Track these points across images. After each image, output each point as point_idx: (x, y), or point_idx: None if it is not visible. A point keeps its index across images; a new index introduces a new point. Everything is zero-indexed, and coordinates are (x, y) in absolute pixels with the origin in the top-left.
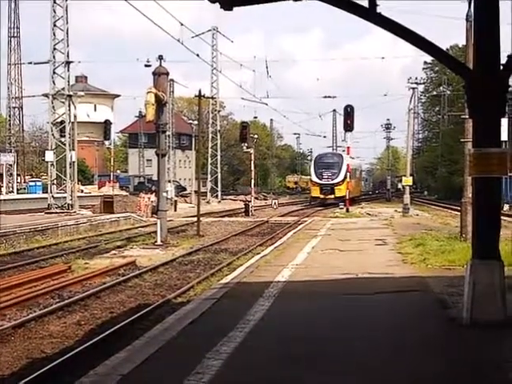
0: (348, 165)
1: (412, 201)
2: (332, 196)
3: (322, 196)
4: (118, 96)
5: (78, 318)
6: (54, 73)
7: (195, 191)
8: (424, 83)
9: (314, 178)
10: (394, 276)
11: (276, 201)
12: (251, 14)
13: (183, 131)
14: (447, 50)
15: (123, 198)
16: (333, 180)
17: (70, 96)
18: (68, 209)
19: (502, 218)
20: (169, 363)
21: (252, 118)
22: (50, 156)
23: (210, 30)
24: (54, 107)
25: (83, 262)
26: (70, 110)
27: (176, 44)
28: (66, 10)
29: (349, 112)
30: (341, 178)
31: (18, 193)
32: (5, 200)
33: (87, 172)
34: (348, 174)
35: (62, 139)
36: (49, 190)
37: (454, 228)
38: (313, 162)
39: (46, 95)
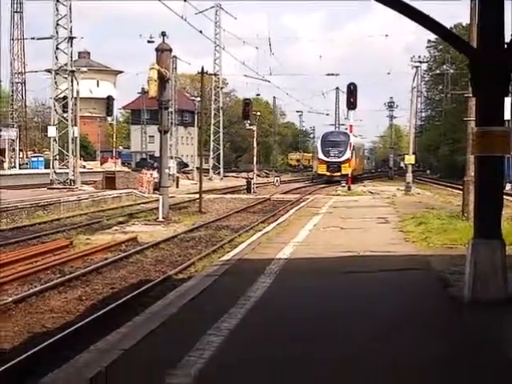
0: (348, 143)
1: (414, 179)
2: (338, 173)
3: (328, 173)
4: (121, 72)
5: (79, 294)
6: (57, 48)
7: (197, 168)
8: (427, 62)
9: (321, 156)
10: (396, 254)
11: (278, 178)
12: None
13: (186, 108)
14: (451, 28)
15: (125, 174)
16: (339, 158)
17: (72, 72)
18: (70, 184)
19: (504, 197)
20: (170, 339)
21: (255, 96)
22: (52, 131)
23: (213, 7)
24: (56, 83)
25: (85, 238)
26: (72, 85)
27: (179, 20)
28: None
29: (352, 90)
30: (347, 155)
31: (20, 168)
32: (7, 175)
33: (89, 148)
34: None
35: (65, 115)
36: (51, 166)
37: (456, 207)
38: (319, 140)
39: (48, 71)
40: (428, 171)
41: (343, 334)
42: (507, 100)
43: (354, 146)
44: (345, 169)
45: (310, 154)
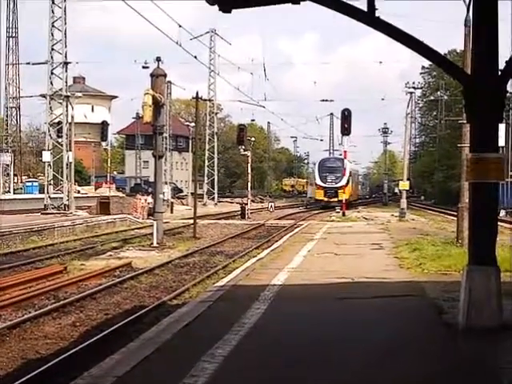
0: (345, 169)
1: (409, 205)
2: (335, 199)
3: (326, 199)
4: (116, 97)
5: (73, 320)
6: (52, 73)
7: (192, 193)
8: (421, 88)
9: (319, 182)
10: (390, 281)
11: (272, 204)
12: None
13: (180, 133)
14: (445, 54)
15: (120, 200)
16: (336, 184)
17: (67, 97)
18: (64, 209)
19: (498, 223)
20: (164, 365)
21: (249, 121)
22: (46, 156)
23: (208, 32)
24: (51, 108)
25: (79, 263)
26: (67, 110)
27: (174, 46)
28: (65, 11)
29: (346, 116)
30: (344, 181)
31: (14, 193)
32: (1, 200)
33: (84, 173)
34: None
35: (59, 140)
36: (45, 191)
37: (451, 233)
38: (317, 165)
39: (43, 96)
40: (422, 197)
41: (337, 360)
42: (501, 126)
43: (351, 172)
44: (341, 195)
45: (305, 180)
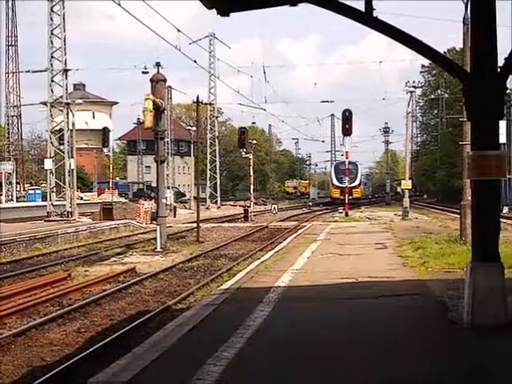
0: (347, 169)
1: (411, 204)
2: (350, 197)
3: (342, 197)
4: (116, 103)
5: (78, 326)
6: (52, 81)
7: (194, 197)
8: (422, 87)
9: (335, 182)
10: (395, 280)
11: (275, 206)
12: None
13: (182, 137)
14: (444, 53)
15: (122, 205)
16: (351, 184)
17: (68, 104)
18: (67, 216)
19: (501, 220)
20: (169, 370)
21: (250, 124)
22: (48, 164)
23: (207, 36)
24: (52, 115)
25: (83, 270)
26: (68, 117)
27: (174, 51)
28: (64, 18)
29: (347, 116)
30: (357, 182)
31: (17, 201)
32: (4, 208)
33: (86, 179)
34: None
35: (61, 147)
36: (48, 198)
37: (454, 231)
38: (333, 168)
39: (44, 103)
40: (425, 196)
41: (342, 361)
42: (502, 123)
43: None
44: (356, 193)
45: (307, 181)
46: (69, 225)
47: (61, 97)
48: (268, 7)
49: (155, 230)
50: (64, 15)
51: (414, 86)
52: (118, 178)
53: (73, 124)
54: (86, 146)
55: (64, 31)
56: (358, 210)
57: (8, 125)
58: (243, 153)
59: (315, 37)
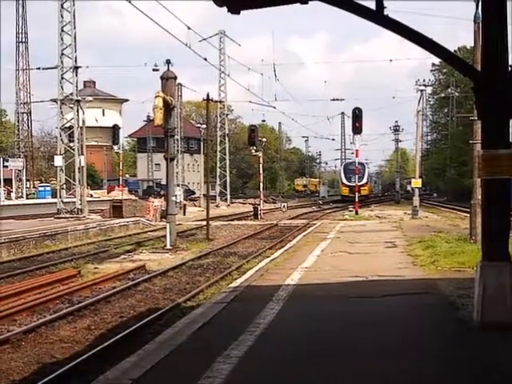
0: (357, 167)
1: (421, 203)
2: (359, 194)
3: (351, 195)
4: (126, 100)
5: (88, 323)
6: (62, 78)
7: (204, 195)
8: (432, 85)
9: (344, 181)
10: (404, 278)
11: (285, 204)
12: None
13: (192, 135)
14: (455, 51)
15: (132, 203)
16: (359, 182)
17: (78, 101)
18: (77, 213)
19: (511, 219)
20: (179, 367)
21: (260, 122)
22: (58, 161)
23: (217, 34)
24: (62, 112)
25: (93, 267)
26: (78, 115)
27: (184, 48)
28: (74, 15)
29: (357, 114)
30: (365, 180)
31: (27, 198)
32: (14, 205)
33: (96, 177)
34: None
35: (71, 144)
36: (58, 195)
37: (464, 230)
38: (342, 168)
39: (54, 100)
40: (435, 194)
41: (351, 357)
42: None
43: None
44: (363, 191)
45: (317, 180)
46: (78, 222)
47: (71, 94)
48: (278, 5)
49: (165, 228)
50: (74, 12)
51: (424, 85)
52: (127, 176)
53: (83, 121)
54: (95, 143)
55: (74, 28)
56: (367, 208)
57: (18, 122)
58: (253, 151)
59: (326, 34)
